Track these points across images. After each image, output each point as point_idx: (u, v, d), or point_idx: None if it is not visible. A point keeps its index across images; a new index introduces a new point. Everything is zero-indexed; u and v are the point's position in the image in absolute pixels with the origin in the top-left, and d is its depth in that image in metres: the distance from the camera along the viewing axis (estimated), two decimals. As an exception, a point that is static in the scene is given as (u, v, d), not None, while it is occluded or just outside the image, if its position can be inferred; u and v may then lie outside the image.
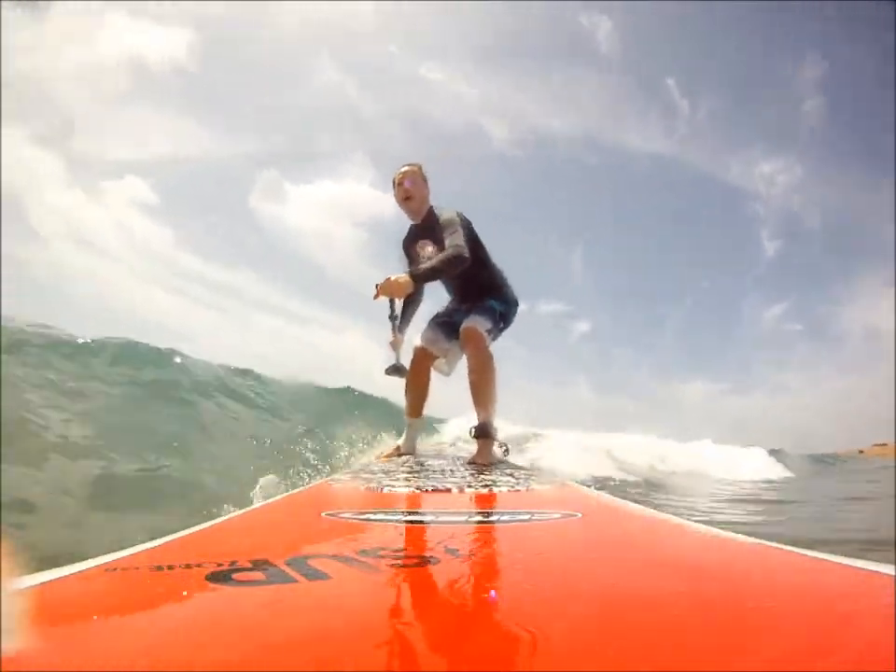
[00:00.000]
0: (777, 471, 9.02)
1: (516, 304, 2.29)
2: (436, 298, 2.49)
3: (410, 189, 2.20)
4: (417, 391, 2.37)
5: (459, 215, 2.14)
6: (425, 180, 2.26)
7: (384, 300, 2.05)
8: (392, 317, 2.23)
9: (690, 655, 0.33)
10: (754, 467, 8.72)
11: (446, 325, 2.32)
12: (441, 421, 6.43)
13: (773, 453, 11.01)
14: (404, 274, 1.90)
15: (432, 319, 2.40)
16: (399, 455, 2.29)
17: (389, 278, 1.88)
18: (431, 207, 2.26)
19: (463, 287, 2.30)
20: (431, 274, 1.97)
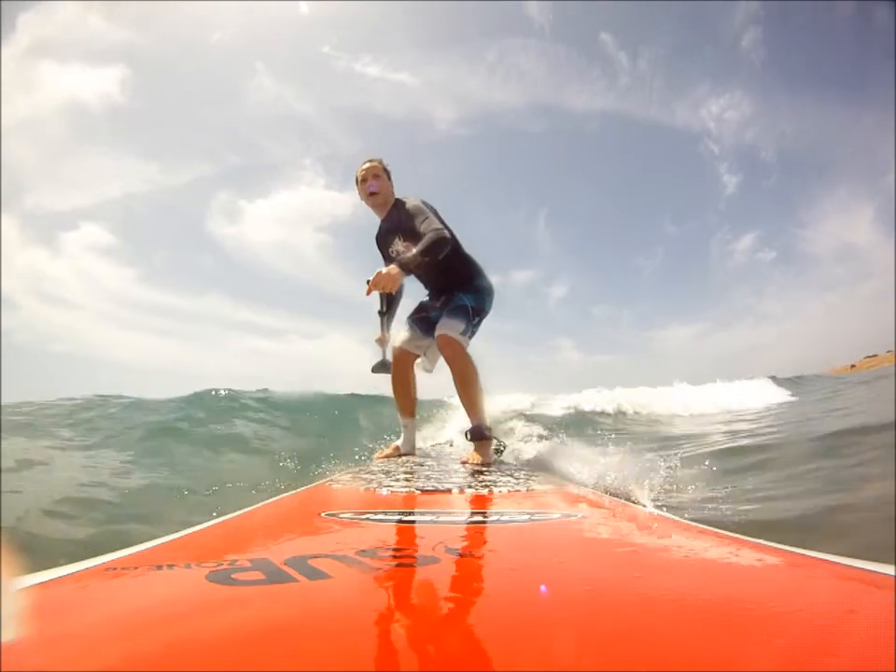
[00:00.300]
0: (774, 397, 9.17)
1: (490, 292, 2.26)
2: (415, 294, 2.46)
3: (373, 184, 2.18)
4: (405, 392, 2.36)
5: (424, 202, 2.12)
6: (387, 173, 2.23)
7: (375, 296, 2.03)
8: (381, 313, 2.21)
9: (690, 655, 0.33)
10: (740, 398, 8.94)
11: (422, 321, 2.30)
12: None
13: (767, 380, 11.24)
14: (392, 265, 1.87)
15: (409, 317, 2.38)
16: (399, 456, 2.29)
17: (380, 271, 1.84)
18: (396, 200, 2.23)
19: (436, 278, 2.27)
20: (418, 260, 1.91)
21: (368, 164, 2.22)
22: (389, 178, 2.24)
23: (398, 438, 2.44)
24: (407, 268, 1.89)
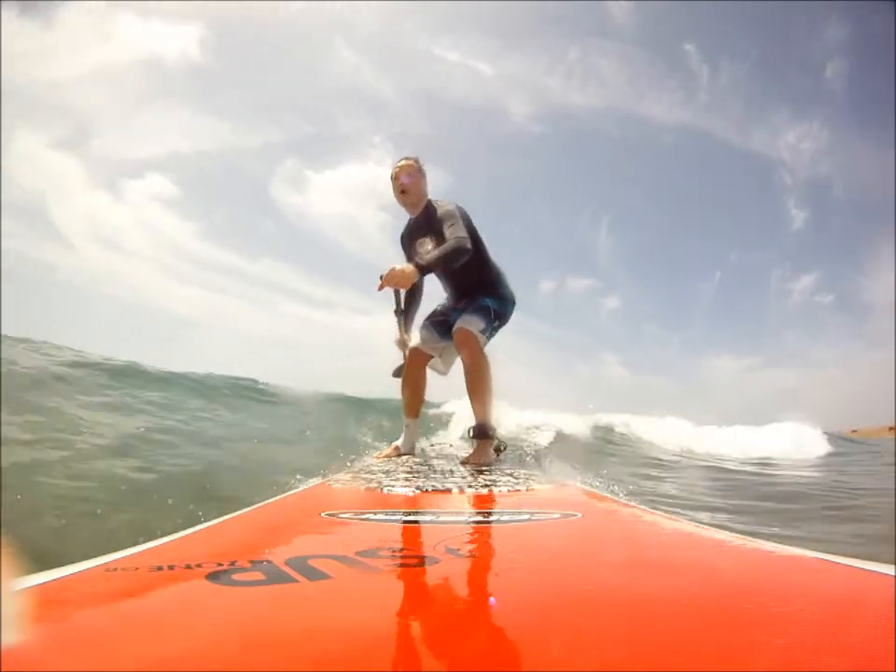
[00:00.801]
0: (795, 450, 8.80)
1: (513, 302, 2.28)
2: (437, 297, 2.48)
3: (406, 183, 2.19)
4: (413, 392, 2.36)
5: (458, 208, 2.13)
6: (422, 173, 2.24)
7: (388, 291, 2.02)
8: (398, 312, 2.21)
9: (690, 655, 0.33)
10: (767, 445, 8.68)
11: (441, 323, 2.31)
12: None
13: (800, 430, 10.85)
14: (408, 264, 1.88)
15: (427, 318, 2.39)
16: (399, 456, 2.29)
17: (394, 267, 1.84)
18: (429, 201, 2.25)
19: (459, 283, 2.28)
20: (436, 263, 1.93)
21: (403, 162, 2.23)
22: (423, 178, 2.25)
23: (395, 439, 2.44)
24: (423, 269, 1.90)
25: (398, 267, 1.85)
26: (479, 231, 2.21)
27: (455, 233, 2.00)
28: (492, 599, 0.44)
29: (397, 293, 2.12)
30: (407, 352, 2.35)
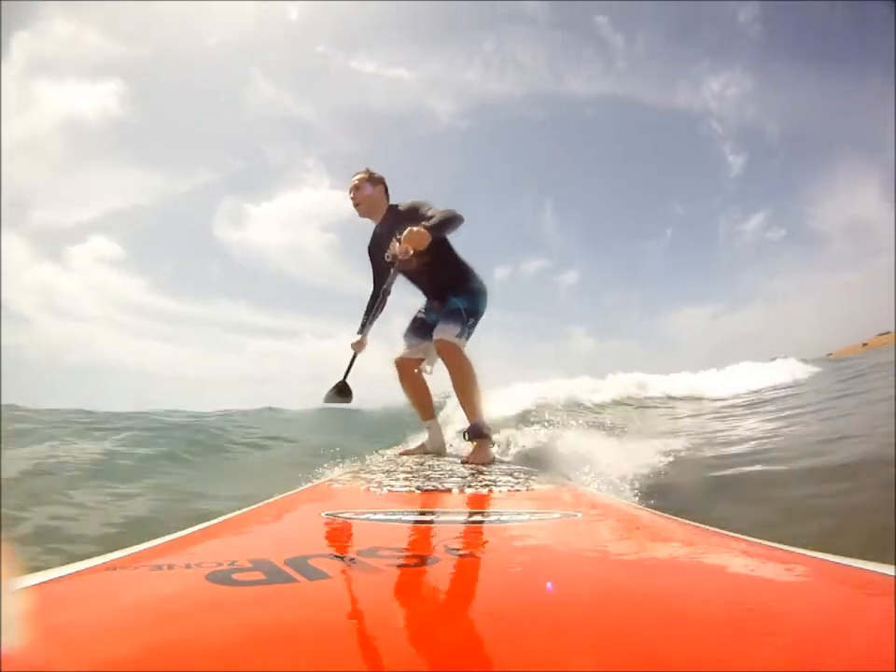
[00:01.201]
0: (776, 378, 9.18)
1: (484, 293, 2.32)
2: (408, 304, 2.54)
3: (355, 196, 2.29)
4: (417, 397, 2.42)
5: (425, 202, 2.18)
6: (373, 181, 2.31)
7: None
8: (386, 291, 2.27)
9: (690, 655, 0.33)
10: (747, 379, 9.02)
11: (420, 327, 2.38)
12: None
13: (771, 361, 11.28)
14: (418, 227, 1.91)
15: (408, 328, 2.47)
16: (425, 453, 2.36)
17: (412, 228, 1.89)
18: (391, 205, 2.31)
19: (430, 283, 2.35)
20: (441, 226, 1.99)
21: (353, 178, 2.31)
22: (376, 185, 2.31)
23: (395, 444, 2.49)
24: (433, 230, 1.93)
25: (414, 228, 1.89)
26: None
27: (437, 210, 2.05)
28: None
29: (396, 268, 2.14)
30: (353, 361, 2.39)
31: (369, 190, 2.29)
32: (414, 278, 2.36)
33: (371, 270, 2.43)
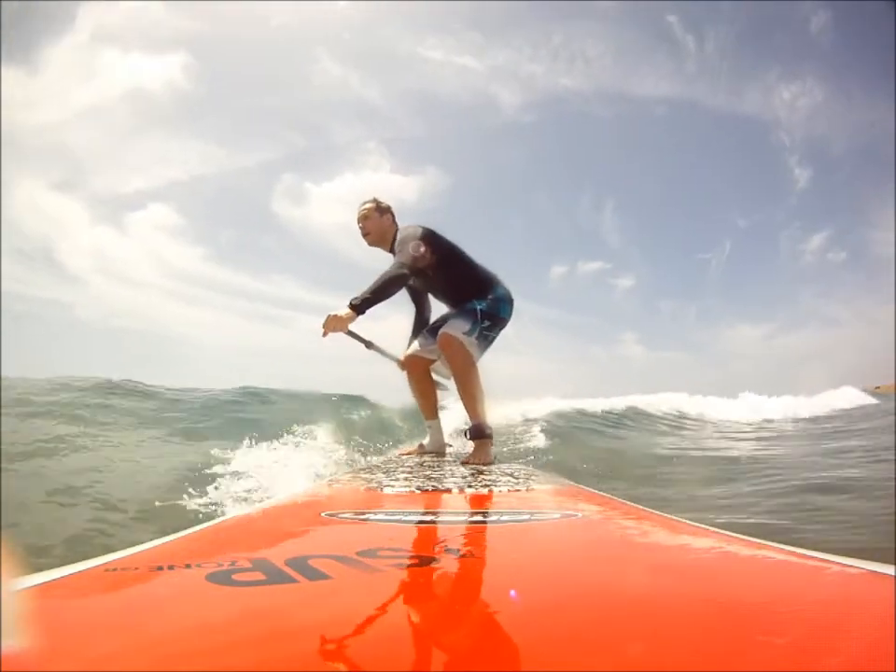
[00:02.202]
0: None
1: (507, 300, 2.29)
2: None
3: (364, 225, 2.30)
4: (423, 395, 2.42)
5: (417, 231, 2.18)
6: (382, 211, 2.33)
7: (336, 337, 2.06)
8: (368, 346, 2.26)
9: (690, 655, 0.33)
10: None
11: (436, 330, 2.33)
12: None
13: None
14: (345, 309, 1.91)
15: (426, 328, 2.46)
16: (424, 453, 2.37)
17: (330, 315, 1.90)
18: (396, 232, 2.31)
19: (449, 294, 2.35)
20: (373, 298, 1.94)
21: (361, 208, 2.32)
22: (384, 214, 2.33)
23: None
24: (357, 307, 1.92)
25: (332, 313, 1.90)
26: (458, 243, 2.28)
27: (395, 261, 2.04)
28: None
29: (351, 334, 2.13)
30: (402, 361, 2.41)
31: (377, 220, 2.31)
32: (434, 290, 2.39)
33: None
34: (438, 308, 2.52)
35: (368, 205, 2.33)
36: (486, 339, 2.19)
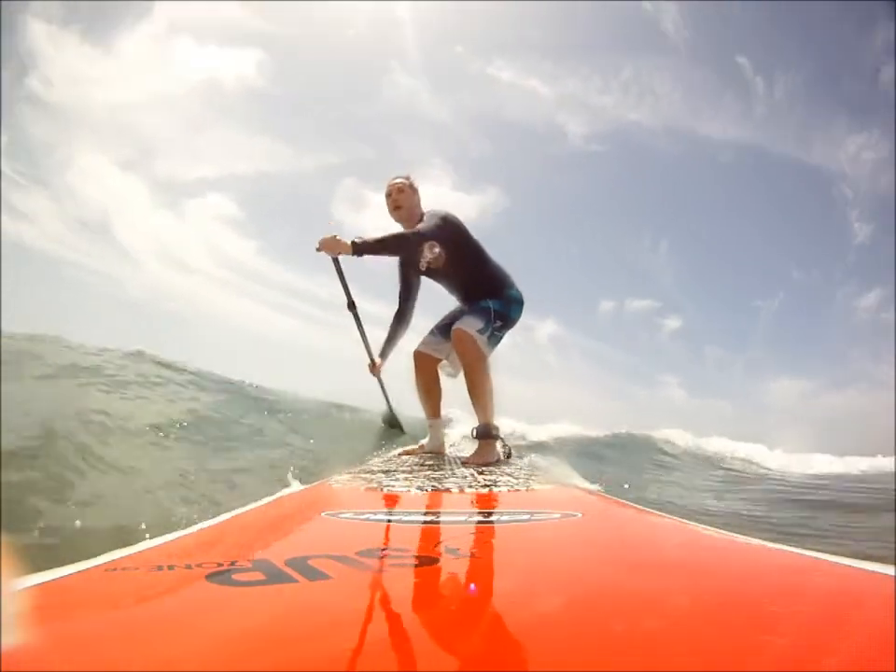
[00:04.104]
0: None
1: (518, 303, 2.30)
2: (435, 310, 2.54)
3: (398, 198, 2.28)
4: (428, 394, 2.41)
5: (446, 215, 2.19)
6: (413, 189, 2.33)
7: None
8: (351, 306, 2.25)
9: (690, 655, 0.33)
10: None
11: (446, 326, 2.33)
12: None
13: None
14: (346, 240, 1.92)
15: (436, 325, 2.45)
16: (424, 453, 2.36)
17: (330, 235, 1.91)
18: (423, 214, 2.30)
19: (462, 287, 2.34)
20: (375, 245, 1.94)
21: (395, 181, 2.32)
22: (415, 193, 2.34)
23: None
24: (357, 246, 1.91)
25: (334, 234, 1.91)
26: (481, 240, 2.26)
27: (419, 227, 2.07)
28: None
29: (339, 272, 2.16)
30: (385, 389, 2.43)
31: (410, 195, 2.31)
32: (448, 283, 2.37)
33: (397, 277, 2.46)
34: (443, 304, 2.50)
35: (404, 180, 2.32)
36: (496, 339, 2.20)
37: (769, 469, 7.82)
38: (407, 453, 2.44)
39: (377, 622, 0.38)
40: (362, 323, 2.38)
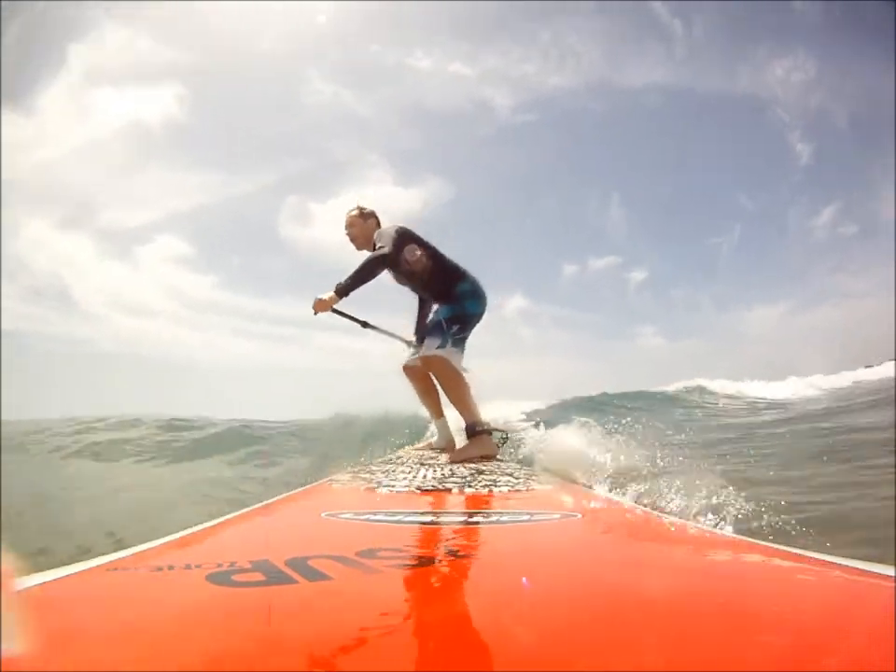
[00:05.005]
0: None
1: (471, 295, 2.39)
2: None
3: (350, 232, 2.48)
4: (426, 397, 2.58)
5: (398, 228, 2.33)
6: (365, 216, 2.49)
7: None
8: (365, 325, 2.46)
9: (689, 655, 0.33)
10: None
11: (420, 337, 2.53)
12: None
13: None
14: (330, 291, 2.16)
15: (416, 334, 2.64)
16: (432, 450, 2.52)
17: (316, 297, 2.16)
18: (377, 234, 2.45)
19: (422, 290, 2.53)
20: (354, 282, 2.17)
21: (346, 217, 2.49)
22: (368, 220, 2.49)
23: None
24: (341, 291, 2.16)
25: (319, 296, 2.16)
26: (437, 244, 2.42)
27: (373, 251, 2.26)
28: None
29: (340, 313, 2.35)
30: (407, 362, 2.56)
31: (361, 226, 2.46)
32: (414, 288, 2.56)
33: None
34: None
35: (352, 213, 2.49)
36: (462, 340, 2.36)
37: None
38: (417, 449, 2.60)
39: (377, 622, 0.38)
40: (382, 328, 2.54)
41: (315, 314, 2.22)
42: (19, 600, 0.34)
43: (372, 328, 2.50)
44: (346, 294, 2.19)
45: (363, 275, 2.19)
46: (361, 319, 2.46)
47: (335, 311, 2.32)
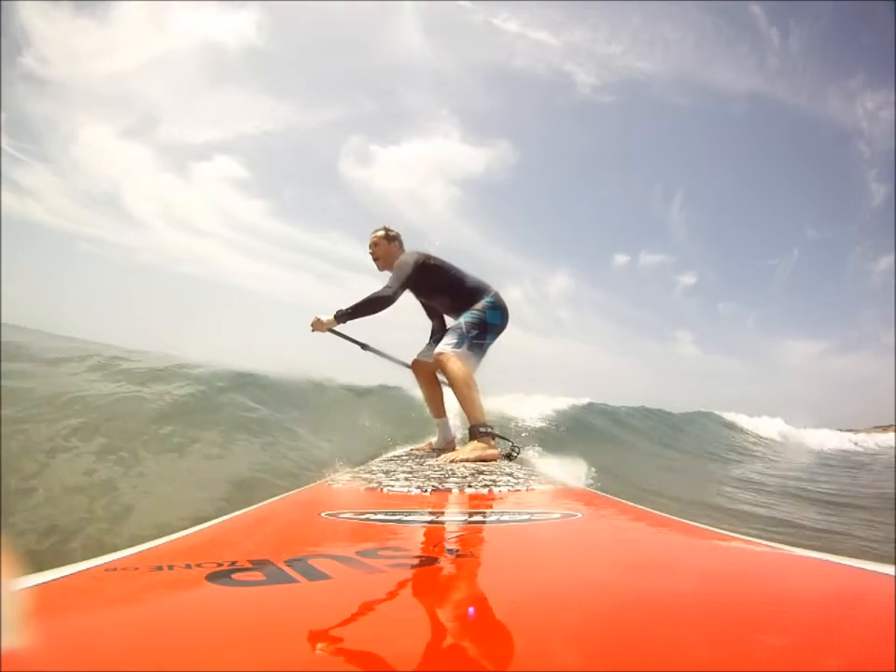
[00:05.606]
0: None
1: (495, 307, 2.45)
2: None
3: (374, 252, 2.56)
4: (430, 395, 2.65)
5: (417, 257, 2.40)
6: (390, 238, 2.57)
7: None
8: (364, 347, 2.54)
9: (690, 656, 0.33)
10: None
11: (438, 337, 2.56)
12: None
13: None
14: (330, 315, 2.29)
15: (433, 337, 2.71)
16: (433, 449, 2.56)
17: (316, 316, 2.31)
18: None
19: (445, 307, 2.60)
20: (352, 313, 2.29)
21: (371, 237, 2.57)
22: (392, 242, 2.57)
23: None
24: (339, 318, 2.29)
25: (318, 316, 2.30)
26: (451, 260, 2.48)
27: (386, 284, 2.32)
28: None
29: (338, 334, 2.44)
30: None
31: (385, 247, 2.54)
32: (435, 305, 2.65)
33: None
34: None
35: (378, 233, 2.57)
36: (480, 346, 2.39)
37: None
38: (417, 449, 2.62)
39: (377, 622, 0.38)
40: (380, 351, 2.61)
41: (313, 331, 2.33)
42: (19, 600, 0.34)
43: (372, 350, 2.55)
44: (344, 322, 2.31)
45: (363, 311, 2.29)
46: (361, 341, 2.52)
47: (333, 332, 2.40)
